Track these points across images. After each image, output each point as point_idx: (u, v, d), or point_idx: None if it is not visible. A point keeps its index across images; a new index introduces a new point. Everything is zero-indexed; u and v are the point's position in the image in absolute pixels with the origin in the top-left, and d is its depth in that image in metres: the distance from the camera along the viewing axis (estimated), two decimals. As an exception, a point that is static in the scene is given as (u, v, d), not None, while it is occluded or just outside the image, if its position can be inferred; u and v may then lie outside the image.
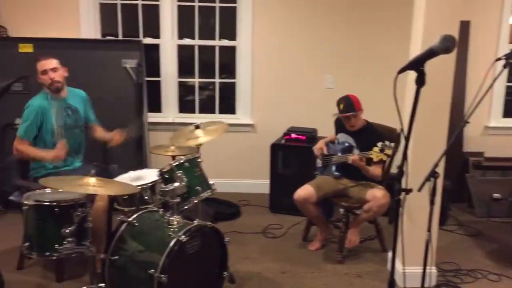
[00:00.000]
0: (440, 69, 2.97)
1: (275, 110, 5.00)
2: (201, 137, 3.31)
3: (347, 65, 4.90)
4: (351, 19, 4.83)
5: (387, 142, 3.30)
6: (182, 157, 3.06)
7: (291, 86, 4.98)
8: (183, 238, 2.58)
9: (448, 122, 3.11)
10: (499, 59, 2.72)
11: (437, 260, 3.34)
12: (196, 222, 2.77)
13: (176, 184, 2.84)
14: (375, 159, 3.32)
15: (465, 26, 4.75)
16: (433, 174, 2.64)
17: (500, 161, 4.84)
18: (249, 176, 5.11)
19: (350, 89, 4.69)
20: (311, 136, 4.49)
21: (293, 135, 4.54)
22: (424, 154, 3.01)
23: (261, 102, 5.01)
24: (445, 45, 1.64)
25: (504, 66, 2.70)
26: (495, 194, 4.64)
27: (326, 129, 4.04)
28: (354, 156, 3.44)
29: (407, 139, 1.93)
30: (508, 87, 5.00)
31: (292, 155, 4.47)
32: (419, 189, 2.62)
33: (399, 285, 3.06)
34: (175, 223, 2.73)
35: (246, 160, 5.09)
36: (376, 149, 3.27)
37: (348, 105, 3.57)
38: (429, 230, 2.73)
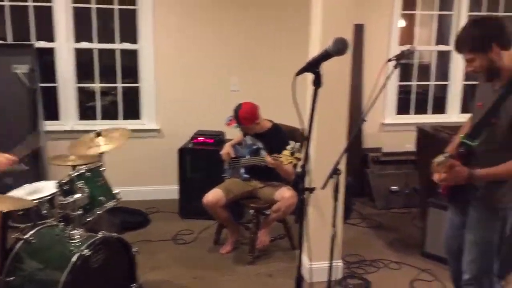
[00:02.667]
0: (337, 70, 3.11)
1: (182, 114, 4.93)
2: (103, 144, 3.17)
3: (252, 67, 4.97)
4: (254, 21, 4.90)
5: (296, 145, 3.36)
6: (83, 166, 2.91)
7: (197, 89, 4.94)
8: (86, 252, 2.46)
9: (347, 121, 3.26)
10: (390, 60, 2.89)
11: (343, 253, 3.48)
12: (100, 234, 2.65)
13: (77, 195, 2.69)
14: (285, 163, 3.34)
15: (359, 29, 5.02)
16: (335, 172, 2.75)
17: (395, 155, 5.17)
18: (157, 182, 4.99)
19: (255, 91, 4.82)
20: (219, 139, 4.48)
21: (200, 139, 4.51)
22: (326, 152, 3.12)
23: (167, 106, 4.92)
24: (338, 48, 1.70)
25: (395, 67, 2.87)
26: (392, 187, 4.95)
27: (234, 131, 4.05)
28: (269, 158, 3.45)
29: (307, 138, 1.97)
30: (400, 86, 5.36)
31: (200, 159, 4.43)
32: (323, 187, 2.70)
33: (307, 281, 3.15)
34: (78, 237, 2.60)
35: (154, 166, 4.96)
36: (286, 152, 3.32)
37: (241, 118, 3.59)
38: (334, 225, 2.84)
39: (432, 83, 5.48)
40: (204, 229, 4.19)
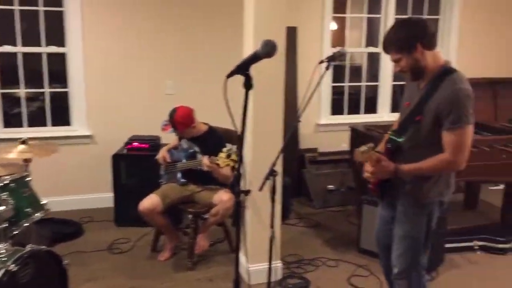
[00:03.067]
0: (272, 72, 3.13)
1: (115, 118, 4.78)
2: (29, 153, 3.00)
3: (187, 70, 4.90)
4: (189, 23, 4.84)
5: (233, 147, 3.36)
6: (7, 177, 2.74)
7: (130, 93, 4.81)
8: (12, 267, 2.32)
9: (282, 122, 3.28)
10: (321, 61, 2.94)
11: (282, 254, 3.51)
12: (28, 247, 2.51)
13: (1, 208, 2.53)
14: (222, 165, 3.34)
15: (292, 32, 5.09)
16: (272, 173, 2.76)
17: (331, 155, 5.29)
18: (90, 190, 4.80)
19: (191, 94, 4.77)
20: (154, 144, 4.38)
21: (135, 144, 4.39)
22: (263, 154, 3.13)
23: (99, 111, 4.75)
24: (267, 50, 1.72)
25: (326, 68, 2.93)
26: (329, 186, 5.06)
27: (169, 136, 3.97)
28: (206, 160, 3.42)
29: (241, 140, 1.96)
30: (333, 87, 5.49)
31: (136, 165, 4.32)
32: (260, 189, 2.71)
33: (247, 283, 3.14)
34: (3, 251, 2.46)
35: (86, 174, 4.77)
36: (222, 155, 3.30)
37: (177, 123, 3.55)
38: (272, 226, 2.85)
39: (363, 84, 5.65)
40: (141, 236, 4.08)
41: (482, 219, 4.54)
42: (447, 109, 2.19)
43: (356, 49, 5.64)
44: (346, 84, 5.58)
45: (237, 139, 3.57)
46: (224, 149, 3.38)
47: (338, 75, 5.81)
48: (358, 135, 4.41)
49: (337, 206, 4.98)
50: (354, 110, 5.67)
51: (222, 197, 3.50)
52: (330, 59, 2.91)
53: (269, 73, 3.11)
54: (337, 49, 2.79)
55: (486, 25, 5.72)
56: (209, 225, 3.71)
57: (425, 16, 5.67)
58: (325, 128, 5.44)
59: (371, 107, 5.73)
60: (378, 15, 5.54)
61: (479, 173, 3.81)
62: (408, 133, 2.37)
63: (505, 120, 5.49)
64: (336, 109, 5.57)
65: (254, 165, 3.22)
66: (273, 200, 2.84)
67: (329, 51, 5.22)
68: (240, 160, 2.01)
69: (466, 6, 5.58)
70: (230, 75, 1.70)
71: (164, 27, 4.80)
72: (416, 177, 2.37)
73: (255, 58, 1.71)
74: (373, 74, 5.76)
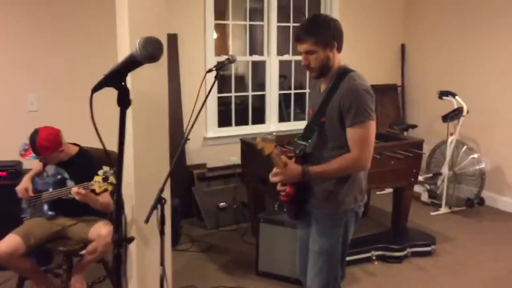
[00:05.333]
0: (154, 82, 2.73)
1: (-37, 142, 3.98)
2: None
3: (53, 82, 4.24)
4: (55, 30, 4.18)
5: (109, 169, 2.88)
6: None
7: (-18, 112, 4.04)
8: None
9: (168, 140, 2.88)
10: (210, 70, 2.63)
11: (175, 286, 3.09)
12: None
13: None
14: (98, 191, 2.84)
15: (173, 39, 4.70)
16: (159, 201, 2.37)
17: (221, 170, 4.97)
18: None
19: (58, 110, 4.14)
20: (14, 170, 3.69)
21: (-11, 172, 3.66)
22: (147, 175, 2.74)
23: None
24: (148, 51, 1.26)
25: (215, 78, 2.62)
26: (221, 203, 4.72)
27: (33, 160, 3.34)
28: (75, 189, 2.87)
29: (117, 170, 1.52)
30: (219, 98, 5.18)
31: (-9, 197, 3.59)
32: (146, 220, 2.31)
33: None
34: None
35: None
36: (98, 178, 2.81)
37: (39, 148, 2.96)
38: (162, 263, 2.44)
39: (250, 93, 5.43)
40: (3, 282, 3.38)
41: (375, 226, 4.52)
42: (347, 105, 2.13)
43: (241, 57, 5.40)
44: (233, 94, 5.31)
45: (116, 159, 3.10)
46: (100, 172, 2.89)
47: (222, 85, 5.55)
48: (249, 147, 4.16)
49: (230, 225, 4.66)
50: (242, 121, 5.42)
51: (101, 231, 2.99)
52: (220, 67, 2.62)
53: (151, 85, 2.71)
54: (223, 57, 2.57)
55: (365, 32, 5.84)
56: (85, 264, 3.14)
57: (307, 24, 5.63)
58: (213, 141, 5.11)
59: (259, 118, 5.53)
60: (260, 23, 5.37)
61: (372, 181, 3.75)
62: (314, 136, 2.29)
63: (387, 126, 5.65)
64: (223, 121, 5.28)
65: (139, 190, 2.78)
66: (162, 232, 2.44)
67: (212, 59, 4.92)
68: (118, 194, 1.54)
69: (344, 15, 5.63)
70: (97, 88, 1.26)
71: (26, 32, 4.09)
72: (329, 183, 2.25)
73: (132, 63, 1.26)
74: (258, 84, 5.58)
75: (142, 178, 2.78)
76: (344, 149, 2.19)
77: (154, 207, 2.33)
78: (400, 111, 6.17)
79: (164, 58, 2.73)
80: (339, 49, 2.25)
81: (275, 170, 2.24)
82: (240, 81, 5.67)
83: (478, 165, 4.97)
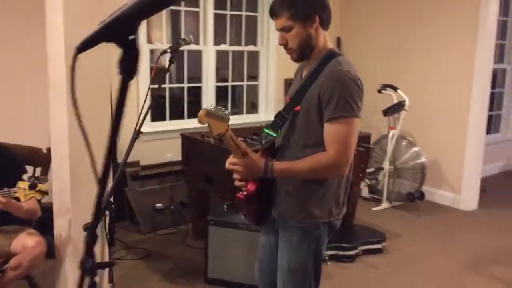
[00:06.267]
0: (94, 67, 2.32)
1: None
2: None
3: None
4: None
5: (35, 174, 2.42)
6: None
7: None
8: None
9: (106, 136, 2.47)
10: (164, 52, 2.28)
11: (116, 306, 2.68)
12: None
13: None
14: (23, 199, 2.36)
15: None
16: (109, 206, 1.99)
17: (156, 168, 4.56)
18: None
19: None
20: None
21: None
22: (85, 176, 2.31)
23: None
24: None
25: (171, 61, 2.28)
26: (157, 205, 4.31)
27: None
28: None
29: (107, 160, 1.07)
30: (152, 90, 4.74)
31: None
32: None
33: None
34: None
35: None
36: (22, 184, 2.34)
37: None
38: (111, 280, 2.06)
39: (185, 85, 5.05)
40: None
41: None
42: (327, 94, 1.76)
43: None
44: (168, 85, 4.90)
45: (44, 160, 2.63)
46: (25, 176, 2.42)
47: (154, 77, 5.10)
48: (192, 143, 3.81)
49: (168, 228, 4.26)
50: (176, 115, 5.03)
51: (26, 242, 2.51)
52: (174, 48, 2.27)
53: (91, 68, 2.29)
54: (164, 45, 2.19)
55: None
56: (8, 282, 2.63)
57: (244, 13, 5.36)
58: (147, 137, 4.64)
59: (194, 111, 5.16)
60: (196, 9, 5.01)
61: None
62: (285, 127, 1.91)
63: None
64: (157, 115, 4.86)
65: (75, 192, 2.36)
66: (111, 243, 2.05)
67: (145, 47, 4.49)
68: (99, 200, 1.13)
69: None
70: (88, 44, 0.82)
71: None
72: (296, 187, 1.88)
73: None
74: (195, 75, 5.21)
75: (79, 180, 2.36)
76: (319, 148, 1.82)
77: (102, 213, 1.94)
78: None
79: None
80: (325, 26, 1.87)
81: (231, 158, 1.84)
82: (176, 72, 5.24)
83: (418, 159, 4.98)
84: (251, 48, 5.45)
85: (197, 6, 4.98)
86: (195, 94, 5.20)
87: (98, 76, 2.38)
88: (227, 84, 5.41)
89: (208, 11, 4.99)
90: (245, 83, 5.52)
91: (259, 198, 1.93)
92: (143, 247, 3.86)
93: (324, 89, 1.77)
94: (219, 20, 5.12)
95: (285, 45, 1.87)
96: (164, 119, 4.89)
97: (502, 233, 4.40)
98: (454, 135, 5.03)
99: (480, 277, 3.54)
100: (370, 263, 3.71)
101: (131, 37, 0.78)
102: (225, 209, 3.40)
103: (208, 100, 5.14)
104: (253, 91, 5.68)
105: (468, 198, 5.04)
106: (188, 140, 3.85)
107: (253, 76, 5.61)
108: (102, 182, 0.99)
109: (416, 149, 5.01)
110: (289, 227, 1.94)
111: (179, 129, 4.46)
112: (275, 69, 5.50)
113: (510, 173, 6.52)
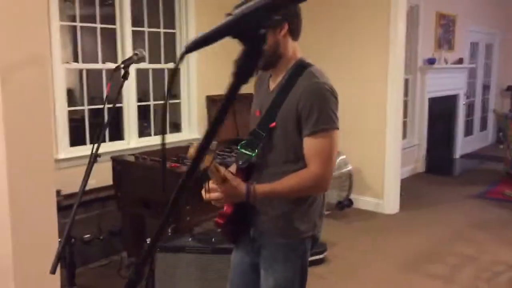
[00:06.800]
0: (35, 83, 2.08)
1: None
2: None
3: None
4: None
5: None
6: None
7: None
8: None
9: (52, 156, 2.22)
10: (117, 68, 2.10)
11: None
12: None
13: None
14: None
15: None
16: (68, 241, 1.75)
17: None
18: None
19: None
20: None
21: None
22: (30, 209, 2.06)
23: None
24: None
25: (124, 77, 2.10)
26: (84, 236, 3.96)
27: None
28: None
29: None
30: (70, 112, 4.40)
31: None
32: (53, 271, 1.69)
33: None
34: None
35: None
36: None
37: None
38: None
39: (105, 106, 4.74)
40: None
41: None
42: (307, 108, 1.73)
43: (92, 65, 4.70)
44: (86, 107, 4.57)
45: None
46: None
47: (70, 98, 4.76)
48: (125, 166, 3.58)
49: (99, 260, 3.94)
50: (94, 138, 4.70)
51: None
52: (127, 63, 2.11)
53: (32, 84, 2.06)
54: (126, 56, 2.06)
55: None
56: None
57: (162, 30, 5.20)
58: (66, 163, 4.28)
59: (116, 134, 4.88)
60: (113, 26, 4.75)
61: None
62: (261, 145, 1.83)
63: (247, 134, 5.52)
64: (76, 139, 4.50)
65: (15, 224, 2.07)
66: (72, 283, 1.82)
67: (60, 67, 4.16)
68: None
69: (200, 21, 5.35)
70: (203, 43, 0.67)
71: None
72: (281, 205, 1.83)
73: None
74: (98, 96, 4.93)
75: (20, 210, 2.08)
76: (299, 163, 1.79)
77: (61, 254, 1.72)
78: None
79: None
80: (294, 35, 1.83)
81: (211, 184, 1.76)
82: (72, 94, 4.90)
83: (345, 168, 5.13)
84: (171, 65, 5.29)
85: (113, 23, 4.74)
86: (116, 114, 4.91)
87: (38, 90, 2.13)
88: (149, 103, 5.19)
89: (125, 28, 4.76)
90: (167, 101, 5.33)
91: (236, 218, 1.86)
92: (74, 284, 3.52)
93: (303, 103, 1.74)
94: (137, 38, 4.91)
95: None
96: (84, 143, 4.55)
97: (426, 232, 4.66)
98: (375, 142, 5.27)
99: (420, 276, 3.70)
100: (315, 273, 3.70)
101: (262, 31, 0.66)
102: (169, 233, 3.22)
103: (130, 121, 4.88)
104: (174, 110, 5.51)
105: (390, 202, 5.30)
106: (121, 164, 3.61)
107: (174, 95, 5.45)
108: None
109: (343, 157, 5.15)
110: (272, 245, 1.87)
111: (102, 152, 4.16)
112: (196, 86, 5.39)
113: (419, 176, 6.99)
